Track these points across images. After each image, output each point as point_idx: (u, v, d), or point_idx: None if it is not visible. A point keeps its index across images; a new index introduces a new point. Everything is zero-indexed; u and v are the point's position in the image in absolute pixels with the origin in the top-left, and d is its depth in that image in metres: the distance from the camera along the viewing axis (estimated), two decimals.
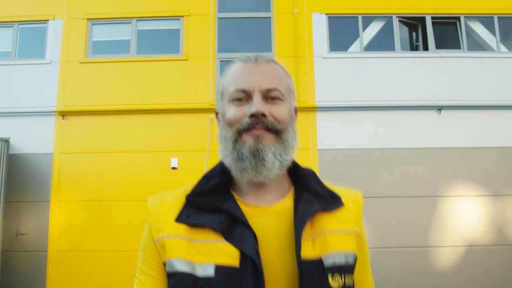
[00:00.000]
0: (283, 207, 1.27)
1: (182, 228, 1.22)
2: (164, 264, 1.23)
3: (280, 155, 1.25)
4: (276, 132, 1.25)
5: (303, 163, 1.42)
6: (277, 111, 1.26)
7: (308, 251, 1.18)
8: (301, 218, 1.21)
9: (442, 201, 9.36)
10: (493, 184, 9.39)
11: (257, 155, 1.22)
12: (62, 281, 9.15)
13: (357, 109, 9.76)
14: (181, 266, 1.18)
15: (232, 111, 1.27)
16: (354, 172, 9.37)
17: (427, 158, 9.50)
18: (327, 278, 1.18)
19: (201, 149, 9.39)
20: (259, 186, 1.28)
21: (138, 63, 10.07)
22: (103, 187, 9.50)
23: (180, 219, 1.24)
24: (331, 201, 1.30)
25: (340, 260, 1.23)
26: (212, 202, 1.25)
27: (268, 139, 1.24)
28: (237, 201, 1.28)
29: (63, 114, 9.86)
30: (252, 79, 1.27)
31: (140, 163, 9.56)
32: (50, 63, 10.22)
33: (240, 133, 1.25)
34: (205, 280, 1.15)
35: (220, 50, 10.14)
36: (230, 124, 1.27)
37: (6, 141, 9.75)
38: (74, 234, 9.36)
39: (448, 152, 9.52)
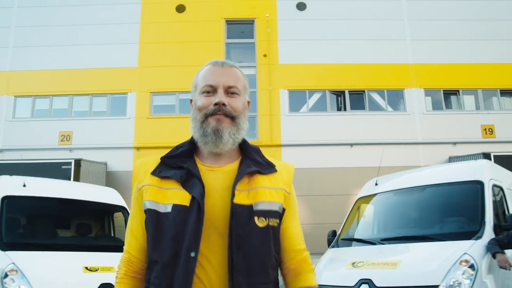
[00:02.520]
0: (230, 168, 1.46)
1: (155, 179, 1.44)
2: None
3: (234, 135, 1.44)
4: (232, 117, 1.44)
5: None
6: (234, 103, 1.45)
7: (243, 199, 1.38)
8: (239, 175, 1.41)
9: (351, 197, 14.24)
10: None
11: (217, 133, 1.41)
12: None
13: (306, 145, 14.61)
14: (150, 205, 1.41)
15: (202, 100, 1.45)
16: (305, 181, 14.21)
17: (343, 173, 14.30)
18: (254, 218, 1.37)
19: None
20: (216, 154, 1.47)
21: (180, 119, 14.87)
22: None
23: (154, 173, 1.45)
24: (267, 167, 1.49)
25: (266, 206, 1.40)
26: (178, 162, 1.45)
27: (226, 122, 1.43)
28: (198, 163, 1.47)
29: (138, 148, 14.72)
30: (218, 78, 1.45)
31: None
32: (129, 118, 15.07)
33: (206, 117, 1.43)
34: (165, 214, 1.37)
35: None
36: (200, 109, 1.45)
37: (105, 164, 14.60)
38: None
39: (356, 170, 14.25)
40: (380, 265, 4.65)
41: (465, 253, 4.35)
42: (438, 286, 4.13)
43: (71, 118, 15.24)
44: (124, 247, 1.53)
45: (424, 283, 4.21)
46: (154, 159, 1.51)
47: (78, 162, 13.15)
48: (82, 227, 6.70)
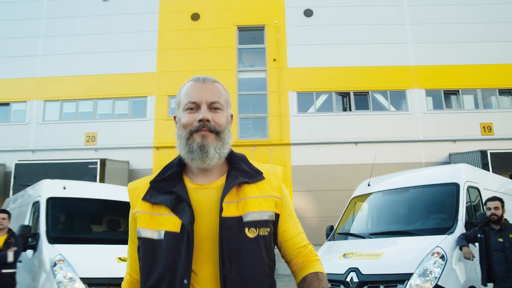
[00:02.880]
0: (220, 183, 1.43)
1: (147, 205, 1.43)
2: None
3: (219, 149, 1.41)
4: (217, 133, 1.42)
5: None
6: (217, 118, 1.43)
7: (232, 211, 1.37)
8: (226, 188, 1.39)
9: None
10: None
11: (203, 149, 1.39)
12: None
13: (314, 144, 15.27)
14: (144, 233, 1.40)
15: (186, 117, 1.42)
16: (313, 177, 14.94)
17: (348, 170, 14.88)
18: (244, 230, 1.37)
19: None
20: (205, 170, 1.44)
21: None
22: None
23: (145, 198, 1.44)
24: (254, 176, 1.46)
25: (256, 217, 1.39)
26: (167, 187, 1.42)
27: (211, 138, 1.40)
28: (188, 182, 1.45)
29: (157, 147, 15.54)
30: (201, 94, 1.43)
31: None
32: (149, 120, 15.89)
33: (191, 133, 1.41)
34: (159, 241, 1.37)
35: (240, 111, 15.78)
36: (184, 126, 1.42)
37: (127, 162, 15.48)
38: None
39: (360, 167, 14.79)
40: (366, 256, 5.37)
41: (437, 246, 5.05)
42: (412, 273, 4.84)
43: (96, 120, 16.10)
44: (126, 269, 1.58)
45: (401, 271, 4.93)
46: (144, 184, 1.49)
47: (103, 162, 14.05)
48: (112, 223, 7.52)
